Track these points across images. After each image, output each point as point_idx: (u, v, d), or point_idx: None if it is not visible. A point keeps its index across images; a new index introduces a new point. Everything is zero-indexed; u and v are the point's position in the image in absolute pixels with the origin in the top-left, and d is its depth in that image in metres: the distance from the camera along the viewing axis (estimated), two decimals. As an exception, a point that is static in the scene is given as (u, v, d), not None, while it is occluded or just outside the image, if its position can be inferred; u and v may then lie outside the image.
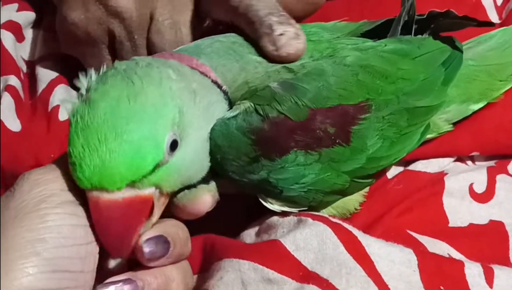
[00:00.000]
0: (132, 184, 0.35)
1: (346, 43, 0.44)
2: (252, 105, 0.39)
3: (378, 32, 0.46)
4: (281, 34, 0.41)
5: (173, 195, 0.39)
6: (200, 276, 0.42)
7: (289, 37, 0.41)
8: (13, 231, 0.33)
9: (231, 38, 0.44)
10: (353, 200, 0.44)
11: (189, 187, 0.39)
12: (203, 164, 0.39)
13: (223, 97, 0.40)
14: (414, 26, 0.46)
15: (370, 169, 0.43)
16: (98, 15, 0.50)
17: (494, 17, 0.54)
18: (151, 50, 0.50)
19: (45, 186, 0.35)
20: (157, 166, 0.35)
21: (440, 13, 0.46)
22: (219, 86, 0.40)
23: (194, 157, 0.38)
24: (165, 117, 0.35)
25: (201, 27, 0.51)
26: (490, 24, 0.48)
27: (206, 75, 0.40)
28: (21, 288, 0.32)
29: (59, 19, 0.53)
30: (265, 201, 0.42)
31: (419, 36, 0.46)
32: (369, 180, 0.44)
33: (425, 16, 0.46)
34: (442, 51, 0.46)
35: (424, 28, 0.47)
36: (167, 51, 0.48)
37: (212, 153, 0.39)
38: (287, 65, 0.41)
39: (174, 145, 0.36)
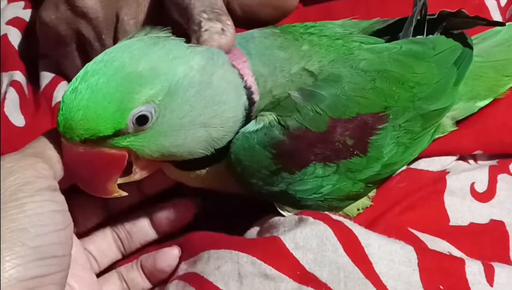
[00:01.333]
0: (93, 141, 0.36)
1: (360, 41, 0.43)
2: (275, 118, 0.39)
3: (389, 31, 0.46)
4: (206, 30, 0.41)
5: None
6: (191, 260, 0.42)
7: (212, 32, 0.41)
8: None
9: (266, 33, 0.44)
10: (359, 204, 0.45)
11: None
12: (191, 149, 0.39)
13: (243, 105, 0.40)
14: (425, 26, 0.46)
15: (384, 174, 0.44)
16: (67, 15, 0.51)
17: (497, 18, 0.54)
18: None
19: (19, 174, 0.35)
20: (120, 133, 0.36)
21: (451, 13, 0.46)
22: (250, 93, 0.40)
23: (175, 139, 0.38)
24: (142, 91, 0.36)
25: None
26: (500, 24, 0.48)
27: (243, 78, 0.40)
28: (12, 279, 0.32)
29: (37, 20, 0.54)
30: (282, 209, 0.42)
31: (431, 35, 0.46)
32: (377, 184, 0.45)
33: (436, 16, 0.46)
34: (454, 49, 0.46)
35: (434, 27, 0.47)
36: None
37: (232, 165, 0.40)
38: (307, 67, 0.41)
39: (142, 120, 0.36)
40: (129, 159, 0.39)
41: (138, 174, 0.40)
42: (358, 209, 0.44)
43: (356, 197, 0.44)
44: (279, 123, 0.39)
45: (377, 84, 0.41)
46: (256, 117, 0.40)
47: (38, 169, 0.35)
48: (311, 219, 0.40)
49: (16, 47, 0.59)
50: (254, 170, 0.40)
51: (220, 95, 0.38)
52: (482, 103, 0.48)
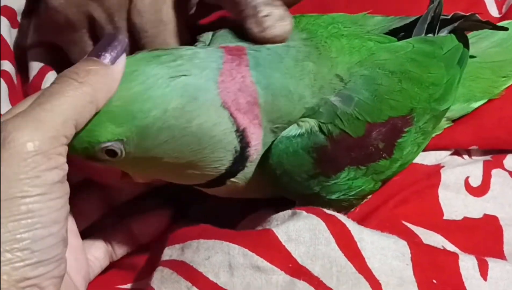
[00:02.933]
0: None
1: (376, 40, 0.43)
2: (317, 123, 0.39)
3: (402, 29, 0.45)
4: (266, 16, 0.40)
5: None
6: (178, 247, 0.41)
7: (275, 18, 0.40)
8: None
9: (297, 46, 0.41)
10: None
11: None
12: (179, 181, 0.40)
13: (234, 149, 0.38)
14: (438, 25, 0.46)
15: (398, 172, 0.44)
16: None
17: (494, 12, 0.54)
18: (132, 31, 0.49)
19: (32, 164, 0.31)
20: (96, 159, 0.36)
21: (464, 15, 0.46)
22: (244, 137, 0.38)
23: (154, 173, 0.39)
24: (109, 128, 0.35)
25: (186, 7, 0.50)
26: (503, 29, 0.48)
27: (236, 120, 0.37)
28: (10, 281, 0.30)
29: (42, 6, 0.52)
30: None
31: (440, 35, 0.46)
32: None
33: (449, 17, 0.46)
34: (457, 48, 0.46)
35: (440, 26, 0.46)
36: (148, 32, 0.48)
37: (269, 167, 0.39)
38: (337, 73, 0.40)
39: (112, 153, 0.36)
40: None
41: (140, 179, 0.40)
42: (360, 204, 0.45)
43: (370, 194, 0.44)
44: (321, 129, 0.39)
45: (403, 86, 0.41)
46: (295, 123, 0.39)
47: (54, 159, 0.31)
48: (304, 212, 0.40)
49: (5, 37, 0.58)
50: (294, 173, 0.39)
51: (198, 143, 0.37)
52: (477, 104, 0.48)
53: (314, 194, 0.41)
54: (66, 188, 0.33)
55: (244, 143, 0.38)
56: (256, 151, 0.39)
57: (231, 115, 0.37)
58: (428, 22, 0.45)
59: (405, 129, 0.42)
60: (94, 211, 0.43)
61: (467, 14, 0.46)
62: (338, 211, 0.41)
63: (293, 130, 0.39)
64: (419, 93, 0.42)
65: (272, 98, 0.38)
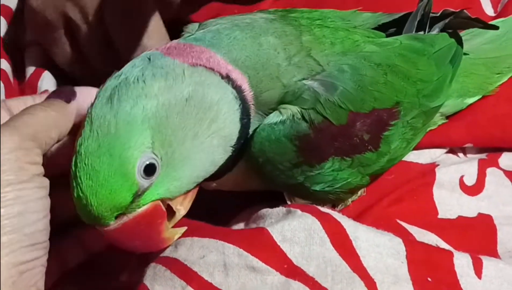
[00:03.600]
0: (122, 213, 0.36)
1: (363, 34, 0.43)
2: (299, 110, 0.39)
3: (392, 25, 0.45)
4: None
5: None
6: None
7: None
8: None
9: (247, 19, 0.42)
10: (357, 195, 0.45)
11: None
12: (207, 168, 0.39)
13: (232, 94, 0.38)
14: (428, 23, 0.46)
15: (387, 168, 0.44)
16: None
17: (489, 10, 0.54)
18: (105, 27, 0.50)
19: (14, 158, 0.34)
20: (140, 193, 0.36)
21: (453, 12, 0.46)
22: (233, 82, 0.38)
23: (190, 167, 0.38)
24: (131, 148, 0.35)
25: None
26: (494, 28, 0.48)
27: (214, 70, 0.38)
28: (8, 264, 0.33)
29: (26, 6, 0.53)
30: (290, 200, 0.42)
31: (431, 33, 0.46)
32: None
33: (438, 14, 0.46)
34: (450, 47, 0.46)
35: (431, 24, 0.47)
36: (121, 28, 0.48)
37: (253, 155, 0.39)
38: (312, 54, 0.40)
39: (150, 169, 0.36)
40: (165, 203, 0.38)
41: (182, 209, 0.39)
42: (353, 199, 0.45)
43: (359, 189, 0.44)
44: (303, 116, 0.39)
45: (389, 78, 0.41)
46: (276, 109, 0.39)
47: (29, 154, 0.35)
48: (299, 211, 0.40)
49: (1, 35, 0.58)
50: (277, 161, 0.39)
51: (201, 101, 0.37)
52: (471, 100, 0.48)
53: (299, 184, 0.41)
54: (46, 181, 0.36)
55: (235, 86, 0.38)
56: (250, 96, 0.38)
57: (206, 67, 0.37)
58: (418, 19, 0.45)
59: (391, 122, 0.42)
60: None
61: (456, 10, 0.46)
62: (325, 204, 0.42)
63: (274, 117, 0.39)
64: (405, 87, 0.42)
65: (224, 50, 0.39)
